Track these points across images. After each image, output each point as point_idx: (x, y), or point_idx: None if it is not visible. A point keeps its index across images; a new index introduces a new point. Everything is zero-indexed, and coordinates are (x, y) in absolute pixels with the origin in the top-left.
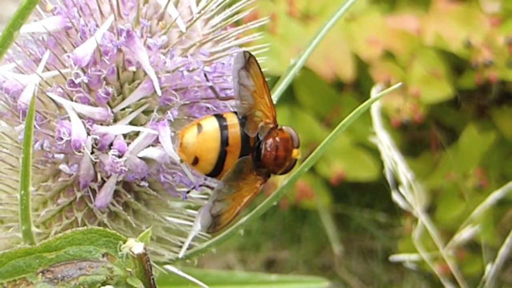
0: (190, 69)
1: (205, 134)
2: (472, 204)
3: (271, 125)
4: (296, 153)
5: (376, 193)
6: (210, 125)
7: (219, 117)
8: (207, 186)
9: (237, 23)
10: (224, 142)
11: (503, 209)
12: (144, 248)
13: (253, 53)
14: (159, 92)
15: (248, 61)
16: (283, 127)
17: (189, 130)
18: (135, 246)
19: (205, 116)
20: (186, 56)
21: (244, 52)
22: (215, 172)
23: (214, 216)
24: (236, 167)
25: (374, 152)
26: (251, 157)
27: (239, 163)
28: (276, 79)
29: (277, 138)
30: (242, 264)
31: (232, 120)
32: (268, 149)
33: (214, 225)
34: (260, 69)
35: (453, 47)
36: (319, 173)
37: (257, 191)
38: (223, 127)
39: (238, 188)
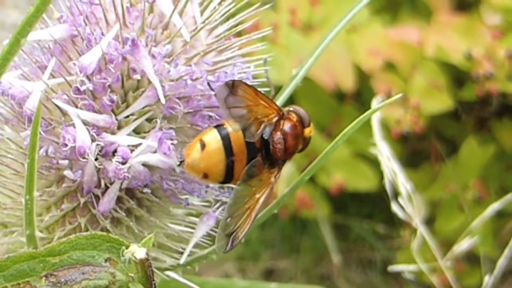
0: (194, 78)
1: (209, 150)
2: (471, 216)
3: (275, 118)
4: (308, 131)
5: (376, 204)
6: (212, 139)
7: (220, 127)
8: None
9: (240, 34)
10: (229, 153)
11: (502, 221)
12: (147, 254)
13: (255, 63)
14: (163, 100)
15: (233, 86)
16: (290, 110)
17: (192, 148)
18: (138, 251)
19: (206, 130)
20: (190, 65)
21: (226, 83)
22: (227, 180)
23: (229, 234)
24: (245, 176)
25: (374, 163)
26: (260, 157)
27: (248, 170)
28: (277, 89)
29: (285, 128)
30: (241, 273)
31: (234, 127)
32: (277, 144)
33: (231, 243)
34: (248, 85)
35: (454, 59)
36: (319, 183)
37: (273, 186)
38: (225, 138)
39: (251, 192)
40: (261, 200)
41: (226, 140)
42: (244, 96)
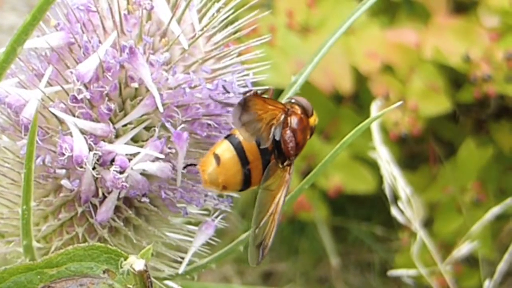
0: (192, 86)
1: (224, 163)
2: (470, 218)
3: (282, 116)
4: (313, 120)
5: (374, 206)
6: (226, 152)
7: (231, 137)
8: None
9: (239, 40)
10: (245, 162)
11: (501, 223)
12: (145, 265)
13: (254, 70)
14: (161, 109)
15: (245, 103)
16: (293, 101)
17: (208, 163)
18: (136, 263)
19: (217, 142)
20: (188, 73)
21: (239, 103)
22: (245, 187)
23: (258, 245)
24: (263, 181)
25: (372, 166)
26: (273, 158)
27: (265, 176)
28: (277, 93)
29: (293, 125)
30: (239, 276)
31: (249, 140)
32: (288, 143)
33: (262, 253)
34: (256, 96)
35: (452, 61)
36: (317, 185)
37: (289, 182)
38: (239, 148)
39: (272, 196)
40: (281, 201)
41: (239, 150)
42: (255, 108)
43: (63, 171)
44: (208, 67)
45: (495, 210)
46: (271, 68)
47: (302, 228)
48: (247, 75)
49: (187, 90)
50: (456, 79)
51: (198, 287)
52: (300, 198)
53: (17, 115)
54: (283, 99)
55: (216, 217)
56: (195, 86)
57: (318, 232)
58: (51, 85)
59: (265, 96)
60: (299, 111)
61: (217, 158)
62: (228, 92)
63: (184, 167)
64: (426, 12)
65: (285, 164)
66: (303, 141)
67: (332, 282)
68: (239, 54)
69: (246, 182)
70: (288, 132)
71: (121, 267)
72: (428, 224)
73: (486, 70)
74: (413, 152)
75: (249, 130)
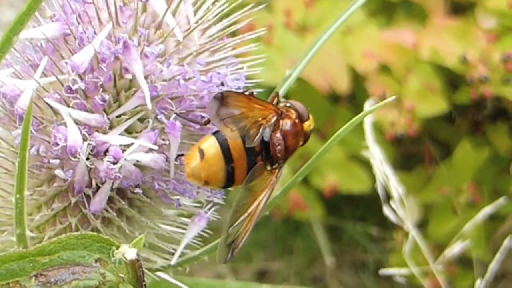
0: (186, 78)
1: (208, 159)
2: (465, 219)
3: (274, 118)
4: (307, 125)
5: (369, 206)
6: (211, 147)
7: (218, 134)
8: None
9: (234, 34)
10: (229, 160)
11: (495, 224)
12: (137, 254)
13: (248, 64)
14: (149, 106)
15: (223, 98)
16: (288, 105)
17: (192, 157)
18: (128, 252)
19: (204, 137)
20: (183, 65)
21: (215, 95)
22: (228, 185)
23: (229, 244)
24: (247, 181)
25: (368, 165)
26: (260, 159)
27: (250, 177)
28: (270, 90)
29: (284, 128)
30: (233, 274)
31: (232, 137)
32: (277, 146)
33: (231, 253)
34: (238, 93)
35: (449, 62)
36: (312, 185)
37: (274, 186)
38: (224, 145)
39: (254, 197)
40: (262, 204)
41: (225, 147)
42: (236, 104)
43: (57, 161)
44: (203, 60)
45: (487, 210)
46: (267, 66)
47: (297, 227)
48: (242, 68)
49: (181, 82)
50: (452, 80)
51: (191, 282)
52: (296, 197)
53: (12, 105)
54: (279, 99)
55: (209, 209)
56: (189, 78)
57: (313, 231)
58: (46, 76)
59: (254, 95)
60: (293, 115)
61: (202, 153)
62: (223, 85)
63: (176, 157)
64: (424, 13)
65: (273, 167)
66: (294, 145)
67: (326, 281)
68: (234, 48)
69: (229, 180)
70: (278, 135)
71: (113, 256)
72: (423, 225)
73: (483, 72)
74: (409, 153)
75: (229, 126)
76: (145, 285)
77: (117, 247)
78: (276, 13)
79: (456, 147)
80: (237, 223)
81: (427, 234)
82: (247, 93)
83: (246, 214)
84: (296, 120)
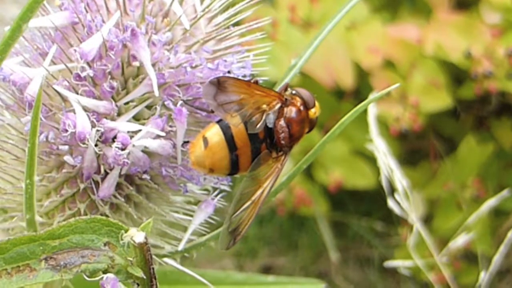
0: (193, 65)
1: (212, 147)
2: (469, 214)
3: (278, 105)
4: (313, 112)
5: (374, 201)
6: (215, 135)
7: (222, 122)
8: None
9: (239, 24)
10: (232, 147)
11: (500, 219)
12: (145, 238)
13: (254, 52)
14: (156, 93)
15: (219, 83)
16: (293, 92)
17: (196, 145)
18: (137, 235)
19: (208, 125)
20: (190, 53)
21: (210, 80)
22: (233, 173)
23: (232, 231)
24: (252, 169)
25: (372, 161)
26: (265, 147)
27: (254, 165)
28: (273, 85)
29: (288, 115)
30: (238, 270)
31: (234, 123)
32: (281, 133)
33: (234, 240)
34: (237, 78)
35: (454, 57)
36: (317, 180)
37: (279, 172)
38: (228, 133)
39: (258, 185)
40: (266, 191)
41: (228, 135)
42: (235, 90)
43: (66, 147)
44: (209, 48)
45: (491, 202)
46: (272, 62)
47: (302, 222)
48: (248, 56)
49: (188, 69)
50: (457, 75)
51: (196, 273)
52: (301, 192)
53: (21, 92)
54: (281, 85)
55: (216, 196)
56: (196, 66)
57: (318, 227)
58: (55, 64)
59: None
60: (298, 102)
61: (206, 141)
62: (229, 73)
63: (183, 144)
64: (428, 8)
65: (278, 154)
66: (298, 133)
67: (331, 277)
68: (240, 36)
69: (234, 167)
70: (282, 122)
71: (122, 240)
72: (428, 220)
73: (487, 67)
74: (414, 148)
75: (229, 112)
76: (153, 268)
77: (126, 231)
78: (280, 8)
79: (461, 142)
80: (240, 210)
81: (432, 229)
82: (252, 81)
83: (249, 202)
84: (301, 107)
